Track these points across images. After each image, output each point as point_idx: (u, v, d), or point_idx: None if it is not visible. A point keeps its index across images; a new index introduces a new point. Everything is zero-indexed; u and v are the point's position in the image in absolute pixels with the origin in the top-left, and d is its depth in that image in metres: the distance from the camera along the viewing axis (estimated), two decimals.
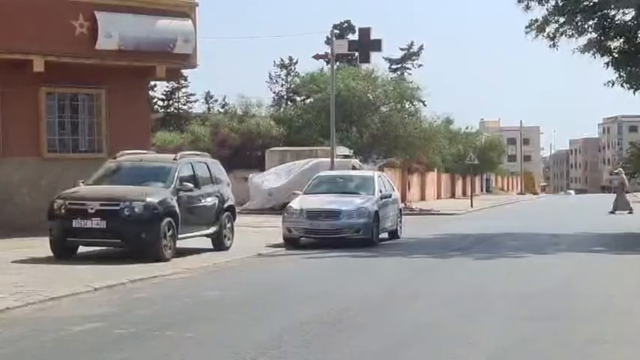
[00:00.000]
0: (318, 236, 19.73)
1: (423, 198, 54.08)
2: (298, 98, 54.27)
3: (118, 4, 21.15)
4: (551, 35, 25.17)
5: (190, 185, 16.62)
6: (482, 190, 78.33)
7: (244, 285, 13.33)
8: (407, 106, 48.47)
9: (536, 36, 25.29)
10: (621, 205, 37.67)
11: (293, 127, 45.73)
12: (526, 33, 25.44)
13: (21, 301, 10.62)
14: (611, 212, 37.22)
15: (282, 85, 68.29)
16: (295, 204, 20.06)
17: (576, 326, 9.23)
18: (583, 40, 25.10)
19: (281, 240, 19.66)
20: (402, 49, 76.38)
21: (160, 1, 22.11)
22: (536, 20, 25.27)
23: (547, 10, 25.12)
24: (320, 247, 19.07)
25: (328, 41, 42.60)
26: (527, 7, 24.98)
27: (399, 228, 22.27)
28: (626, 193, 39.35)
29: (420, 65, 77.37)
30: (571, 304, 10.95)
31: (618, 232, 24.96)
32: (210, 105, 69.42)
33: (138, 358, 7.81)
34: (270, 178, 35.33)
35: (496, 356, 7.78)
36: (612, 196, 42.16)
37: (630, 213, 36.59)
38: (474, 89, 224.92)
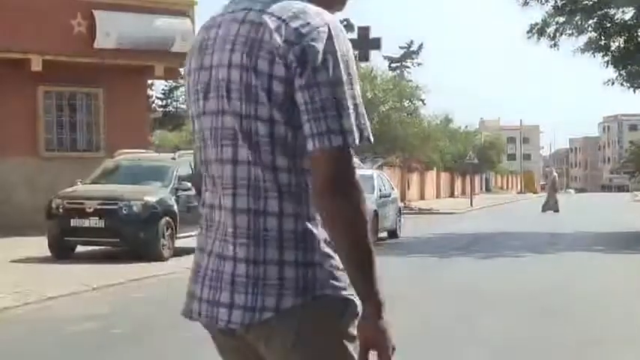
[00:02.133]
0: None
1: (422, 197, 54.08)
2: None
3: (117, 2, 21.13)
4: (552, 35, 25.18)
5: (189, 184, 16.58)
6: (481, 189, 78.36)
7: None
8: (406, 105, 48.50)
9: (539, 40, 25.32)
10: (550, 205, 37.80)
11: None
12: (528, 38, 25.47)
13: (19, 301, 10.58)
14: (543, 212, 37.29)
15: None
16: None
17: (576, 326, 9.20)
18: (583, 39, 25.13)
19: None
20: (401, 48, 76.46)
21: (159, 0, 22.09)
22: (537, 24, 25.29)
23: (547, 12, 25.15)
24: None
25: None
26: (526, 4, 24.98)
27: (398, 227, 22.24)
28: (556, 192, 39.57)
29: (419, 64, 77.47)
30: (571, 303, 10.91)
31: (618, 232, 24.94)
32: None
33: (136, 358, 7.77)
34: None
35: (496, 356, 7.74)
36: (613, 195, 42.34)
37: (557, 212, 36.79)
38: (473, 88, 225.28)
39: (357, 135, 2.17)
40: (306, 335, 2.20)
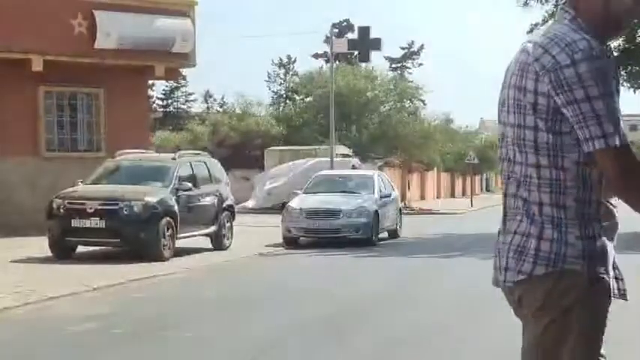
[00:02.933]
0: (317, 236, 19.70)
1: (422, 197, 54.06)
2: (297, 97, 54.25)
3: (117, 3, 21.13)
4: None
5: (189, 185, 16.60)
6: (482, 190, 78.32)
7: (244, 285, 13.31)
8: (406, 105, 48.51)
9: None
10: None
11: (292, 126, 45.74)
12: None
13: (20, 301, 10.60)
14: None
15: (280, 84, 68.28)
16: (295, 203, 20.04)
17: None
18: None
19: (280, 239, 19.64)
20: (402, 49, 76.45)
21: (159, 0, 22.10)
22: (537, 24, 25.30)
23: (547, 12, 25.15)
24: (319, 246, 19.05)
25: (327, 40, 42.62)
26: (526, 4, 25.02)
27: (398, 227, 22.25)
28: None
29: (420, 64, 77.45)
30: None
31: (618, 232, 24.91)
32: (210, 104, 69.42)
33: (137, 358, 7.78)
34: (275, 178, 35.28)
35: (496, 356, 7.75)
36: None
37: None
38: (474, 88, 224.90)
39: (617, 137, 2.73)
40: (552, 301, 2.77)
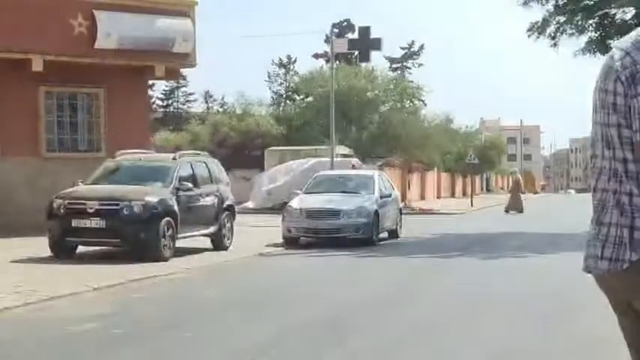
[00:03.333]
0: (317, 236, 19.70)
1: (422, 197, 54.07)
2: (297, 97, 54.26)
3: (117, 3, 21.13)
4: (552, 35, 25.19)
5: (189, 185, 16.61)
6: (482, 190, 78.33)
7: (244, 285, 13.31)
8: (406, 105, 48.53)
9: (538, 37, 25.36)
10: (513, 205, 38.12)
11: (293, 126, 45.75)
12: (528, 36, 25.51)
13: (20, 301, 10.59)
14: (505, 212, 37.64)
15: (280, 84, 68.32)
16: (295, 203, 20.04)
17: (576, 326, 9.21)
18: (584, 38, 25.14)
19: (281, 240, 19.64)
20: (402, 49, 76.55)
21: (160, 0, 22.10)
22: (537, 22, 25.30)
23: (547, 11, 25.15)
24: (320, 246, 19.05)
25: (328, 40, 42.64)
26: (526, 4, 25.02)
27: (398, 227, 22.24)
28: (521, 193, 40.01)
29: (420, 64, 77.51)
30: (571, 304, 10.91)
31: None
32: (210, 104, 69.48)
33: (137, 358, 7.78)
34: (275, 178, 35.28)
35: (495, 357, 7.75)
36: None
37: (521, 212, 37.12)
38: (474, 88, 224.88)
39: None
40: None
